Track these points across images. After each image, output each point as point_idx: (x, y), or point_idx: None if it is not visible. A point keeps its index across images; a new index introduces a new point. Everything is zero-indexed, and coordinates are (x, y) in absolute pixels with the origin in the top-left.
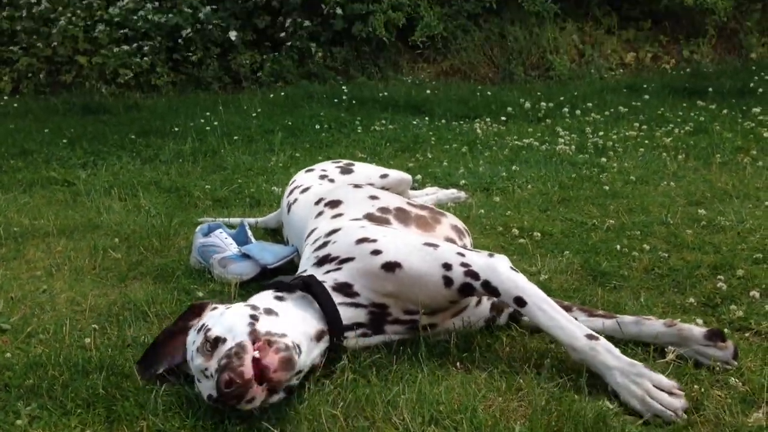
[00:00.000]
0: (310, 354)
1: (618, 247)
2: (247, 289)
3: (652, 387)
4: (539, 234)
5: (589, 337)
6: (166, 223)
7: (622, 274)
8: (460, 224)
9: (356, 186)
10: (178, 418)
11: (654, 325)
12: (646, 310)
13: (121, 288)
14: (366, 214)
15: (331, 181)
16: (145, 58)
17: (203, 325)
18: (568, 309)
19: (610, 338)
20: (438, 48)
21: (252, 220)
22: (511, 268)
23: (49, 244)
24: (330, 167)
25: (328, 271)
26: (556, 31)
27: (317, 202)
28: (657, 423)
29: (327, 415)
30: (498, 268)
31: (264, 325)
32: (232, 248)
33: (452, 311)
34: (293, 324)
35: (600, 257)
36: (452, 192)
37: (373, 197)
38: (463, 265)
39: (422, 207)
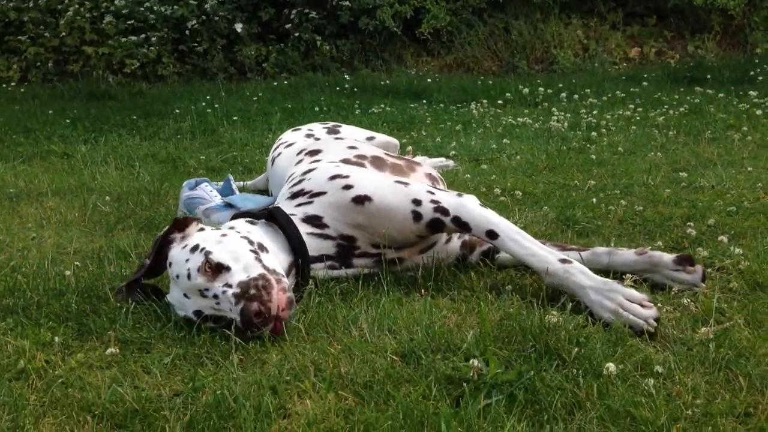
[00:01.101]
0: None
1: (594, 200)
2: None
3: (625, 300)
4: (520, 193)
5: (563, 261)
6: (158, 185)
7: (596, 224)
8: (435, 173)
9: (338, 139)
10: (146, 329)
11: (626, 255)
12: None
13: (107, 237)
14: (342, 159)
15: (317, 139)
16: (151, 48)
17: (198, 246)
18: None
19: None
20: (443, 42)
21: (241, 183)
22: (481, 204)
23: (42, 202)
24: (317, 127)
25: (300, 204)
26: (560, 26)
27: (298, 153)
28: (629, 333)
29: (289, 327)
30: (467, 204)
31: (268, 262)
32: (217, 200)
33: (419, 247)
34: (278, 261)
35: (576, 210)
36: (440, 160)
37: (352, 147)
38: (433, 201)
39: (399, 158)
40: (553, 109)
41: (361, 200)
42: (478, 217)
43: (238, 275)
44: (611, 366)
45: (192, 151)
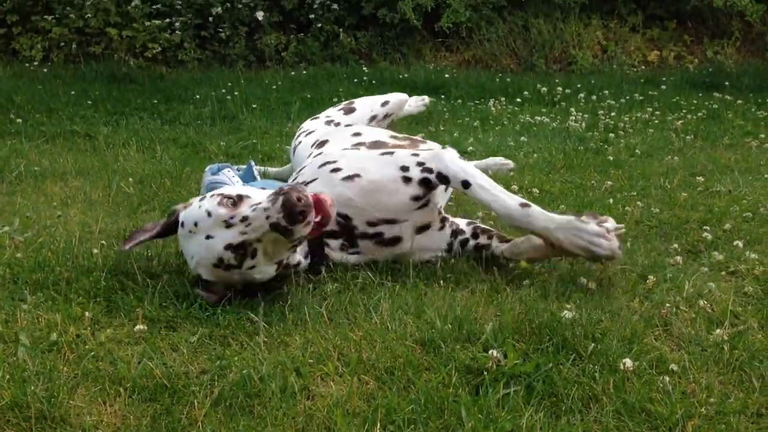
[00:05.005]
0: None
1: (611, 201)
2: None
3: (592, 236)
4: (537, 191)
5: (522, 205)
6: (180, 169)
7: None
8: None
9: (348, 125)
10: (172, 308)
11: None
12: (631, 253)
13: (132, 218)
14: (343, 150)
15: (337, 124)
16: (175, 33)
17: (206, 196)
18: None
19: None
20: (462, 37)
21: (262, 168)
22: (458, 157)
23: (66, 182)
24: (333, 111)
25: None
26: (580, 27)
27: (313, 144)
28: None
29: (312, 311)
30: (444, 157)
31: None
32: (238, 185)
33: (414, 222)
34: None
35: (593, 209)
36: (497, 160)
37: (357, 134)
38: (419, 164)
39: (405, 138)
40: (571, 109)
41: (351, 178)
42: (453, 167)
43: (262, 195)
44: (628, 361)
45: (212, 136)
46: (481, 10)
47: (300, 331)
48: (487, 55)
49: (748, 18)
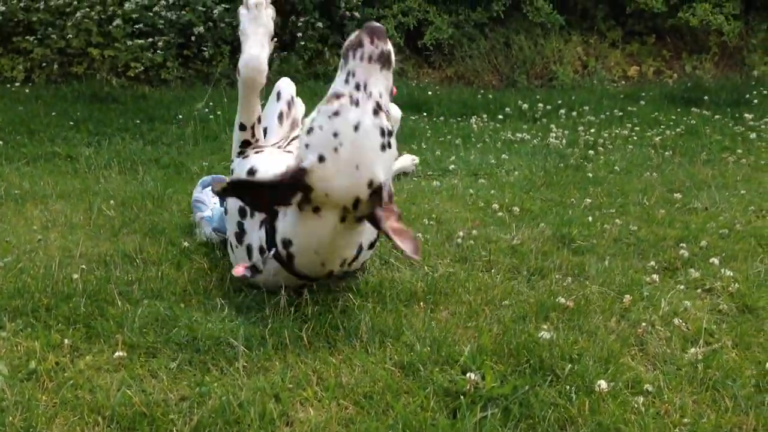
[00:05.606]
0: None
1: (590, 219)
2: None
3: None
4: (518, 209)
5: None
6: (162, 191)
7: (591, 243)
8: None
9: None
10: (152, 333)
11: None
12: (609, 272)
13: (112, 241)
14: None
15: None
16: (158, 52)
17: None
18: None
19: None
20: (444, 54)
21: None
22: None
23: (47, 205)
24: None
25: None
26: (561, 43)
27: None
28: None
29: (292, 335)
30: None
31: None
32: (216, 207)
33: None
34: None
35: (572, 227)
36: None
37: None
38: None
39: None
40: (552, 125)
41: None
42: None
43: None
44: (603, 383)
45: (194, 157)
46: (463, 27)
47: (280, 356)
48: (469, 71)
49: (726, 38)
